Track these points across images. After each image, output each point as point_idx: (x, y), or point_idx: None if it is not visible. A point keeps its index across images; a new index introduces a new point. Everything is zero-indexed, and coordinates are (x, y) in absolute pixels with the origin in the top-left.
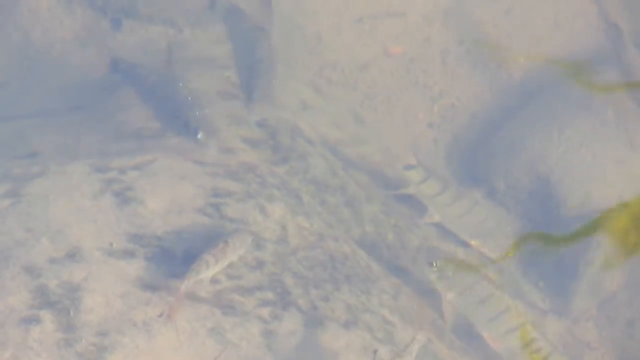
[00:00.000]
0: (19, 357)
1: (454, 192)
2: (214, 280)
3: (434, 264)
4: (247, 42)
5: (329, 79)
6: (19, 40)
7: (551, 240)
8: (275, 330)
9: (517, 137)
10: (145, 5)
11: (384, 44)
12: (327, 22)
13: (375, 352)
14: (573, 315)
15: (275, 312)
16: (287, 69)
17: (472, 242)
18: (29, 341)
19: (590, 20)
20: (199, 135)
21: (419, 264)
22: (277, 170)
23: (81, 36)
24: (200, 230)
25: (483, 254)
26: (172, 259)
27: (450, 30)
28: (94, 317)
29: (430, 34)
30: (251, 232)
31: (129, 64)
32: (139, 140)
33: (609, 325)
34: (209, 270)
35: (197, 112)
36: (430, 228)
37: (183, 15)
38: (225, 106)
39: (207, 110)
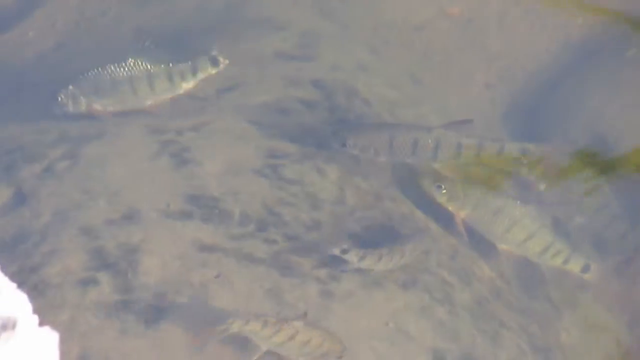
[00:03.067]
0: (77, 319)
1: None
2: (271, 241)
3: (442, 187)
4: None
5: (386, 39)
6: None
7: None
8: (333, 291)
9: (575, 97)
10: None
11: (441, 4)
12: None
13: (304, 314)
14: (629, 274)
15: (333, 273)
16: (343, 29)
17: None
18: (86, 303)
19: None
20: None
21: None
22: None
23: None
24: (258, 191)
25: None
26: (229, 220)
27: None
28: (152, 279)
29: None
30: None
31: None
32: (195, 102)
33: None
34: None
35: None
36: None
37: None
38: (281, 67)
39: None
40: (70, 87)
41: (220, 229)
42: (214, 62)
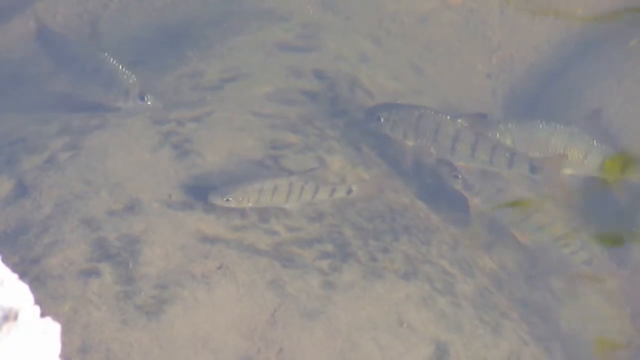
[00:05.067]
0: (78, 310)
1: None
2: (273, 232)
3: (459, 176)
4: None
5: (388, 30)
6: None
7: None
8: (335, 282)
9: (576, 88)
10: None
11: None
12: None
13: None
14: (632, 266)
15: (335, 264)
16: (345, 20)
17: None
18: (88, 294)
19: None
20: (148, 101)
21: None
22: (336, 122)
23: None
24: None
25: None
26: (231, 211)
27: None
28: (153, 270)
29: None
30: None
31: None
32: (197, 92)
33: None
34: None
35: (130, 81)
36: None
37: None
38: (283, 58)
39: (135, 78)
40: None
41: (222, 220)
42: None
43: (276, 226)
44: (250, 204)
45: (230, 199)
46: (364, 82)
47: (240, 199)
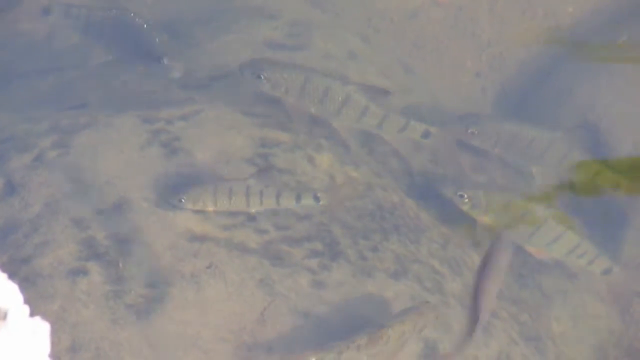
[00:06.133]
0: (67, 309)
1: None
2: (262, 231)
3: (465, 196)
4: None
5: (377, 28)
6: None
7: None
8: (324, 281)
9: (566, 85)
10: None
11: None
12: None
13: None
14: (622, 263)
15: (324, 263)
16: (334, 18)
17: None
18: (76, 293)
19: None
20: (165, 61)
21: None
22: (325, 119)
23: None
24: None
25: None
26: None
27: None
28: (143, 269)
29: None
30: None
31: (63, 5)
32: (186, 91)
33: None
34: None
35: (157, 39)
36: None
37: None
38: (272, 56)
39: (166, 35)
40: None
41: (211, 219)
42: None
43: (265, 225)
44: (210, 207)
45: (184, 200)
46: (352, 80)
47: (195, 200)
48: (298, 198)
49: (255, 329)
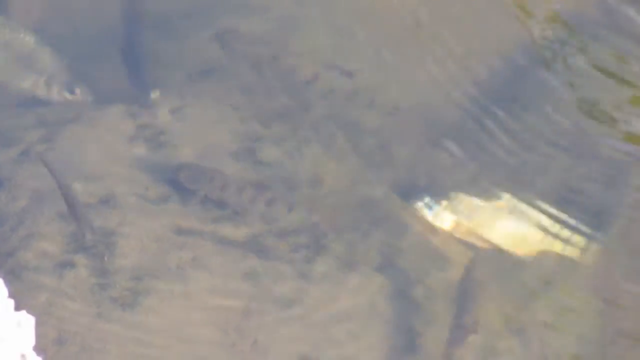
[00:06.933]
0: (54, 302)
1: None
2: (248, 224)
3: (440, 204)
4: None
5: (364, 23)
6: None
7: None
8: (309, 273)
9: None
10: None
11: None
12: None
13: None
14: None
15: (309, 256)
16: (319, 14)
17: None
18: (63, 286)
19: None
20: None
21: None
22: (311, 114)
23: None
24: (234, 174)
25: None
26: (207, 203)
27: None
28: (128, 262)
29: None
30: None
31: None
32: (172, 85)
33: None
34: None
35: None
36: None
37: None
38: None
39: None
40: None
41: (197, 212)
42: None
43: (251, 218)
44: None
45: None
46: None
47: None
48: None
49: (240, 322)
